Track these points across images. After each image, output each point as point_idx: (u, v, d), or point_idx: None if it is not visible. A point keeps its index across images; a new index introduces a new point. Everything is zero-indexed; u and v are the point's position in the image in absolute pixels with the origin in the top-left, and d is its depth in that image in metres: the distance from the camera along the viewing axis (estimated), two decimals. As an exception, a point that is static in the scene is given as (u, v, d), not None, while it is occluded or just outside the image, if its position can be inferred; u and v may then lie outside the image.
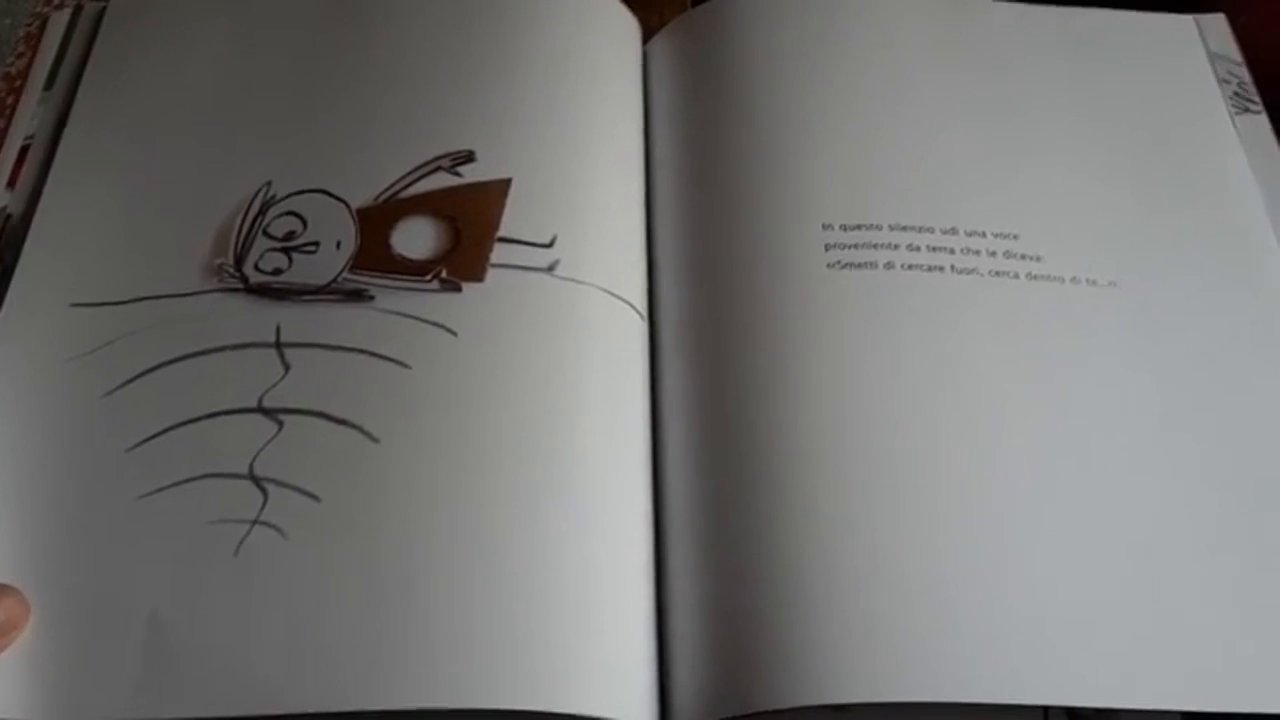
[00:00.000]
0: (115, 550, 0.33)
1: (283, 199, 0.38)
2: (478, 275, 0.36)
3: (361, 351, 0.35)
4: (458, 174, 0.38)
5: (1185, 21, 0.45)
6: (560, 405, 0.35)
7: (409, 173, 0.38)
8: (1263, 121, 0.42)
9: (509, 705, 0.30)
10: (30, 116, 0.42)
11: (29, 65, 0.44)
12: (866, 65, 0.42)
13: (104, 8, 0.44)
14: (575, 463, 0.34)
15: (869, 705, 0.31)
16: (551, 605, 0.32)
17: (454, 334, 0.35)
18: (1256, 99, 0.43)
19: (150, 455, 0.34)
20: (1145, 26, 0.45)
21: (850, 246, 0.38)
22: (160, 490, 0.33)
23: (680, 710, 0.32)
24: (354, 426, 0.34)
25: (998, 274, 0.38)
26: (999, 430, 0.35)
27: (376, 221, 0.38)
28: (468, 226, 0.37)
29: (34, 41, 0.44)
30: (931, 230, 0.39)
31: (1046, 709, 0.32)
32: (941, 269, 0.38)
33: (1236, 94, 0.43)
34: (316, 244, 0.37)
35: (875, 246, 0.38)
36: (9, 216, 0.39)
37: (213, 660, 0.31)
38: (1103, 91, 0.43)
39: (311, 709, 0.30)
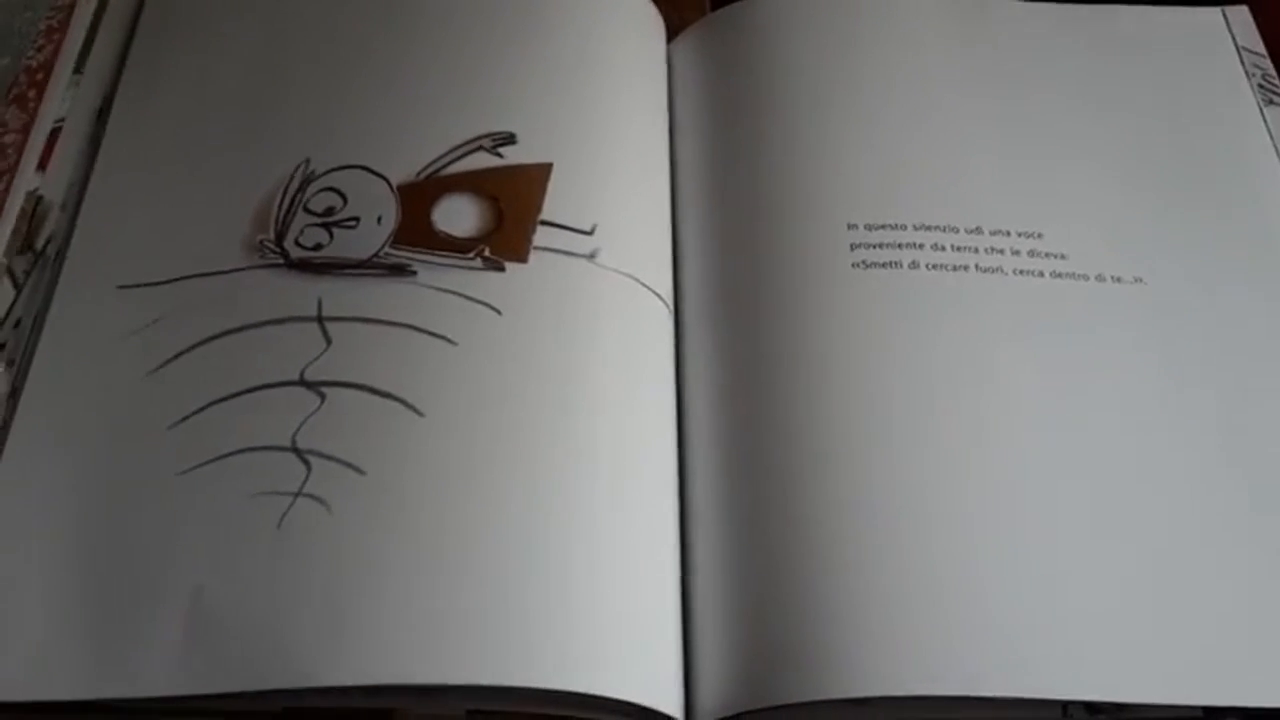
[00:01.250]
0: (158, 525, 0.32)
1: (322, 175, 0.38)
2: (521, 256, 0.36)
3: (405, 326, 0.35)
4: (499, 155, 0.38)
5: (1213, 15, 0.45)
6: (600, 393, 0.35)
7: (449, 151, 0.38)
8: (1288, 113, 0.43)
9: (546, 685, 0.30)
10: (60, 99, 0.42)
11: (54, 54, 0.43)
12: (890, 65, 0.43)
13: None
14: (613, 450, 0.34)
15: (889, 699, 0.31)
16: (589, 588, 0.31)
17: (499, 313, 0.35)
18: (1280, 91, 0.43)
19: (193, 431, 0.34)
20: (1173, 21, 0.45)
21: (875, 246, 0.38)
22: (202, 465, 0.33)
23: (704, 702, 0.32)
24: (399, 400, 0.34)
25: (1022, 273, 0.38)
26: (1022, 428, 0.35)
27: (417, 198, 0.38)
28: (510, 207, 0.37)
29: (56, 34, 0.44)
30: (956, 230, 0.39)
31: (1065, 704, 0.32)
32: (966, 268, 0.38)
33: (1261, 85, 0.43)
34: (357, 219, 0.37)
35: (900, 246, 0.38)
36: (40, 199, 0.39)
37: (254, 633, 0.30)
38: (1128, 88, 0.43)
39: (352, 683, 0.29)
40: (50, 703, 0.30)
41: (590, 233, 0.37)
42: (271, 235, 0.37)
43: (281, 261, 0.36)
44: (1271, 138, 0.42)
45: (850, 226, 0.39)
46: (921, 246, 0.38)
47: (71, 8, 0.44)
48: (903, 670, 0.31)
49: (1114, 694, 0.31)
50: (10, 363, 0.36)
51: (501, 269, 0.36)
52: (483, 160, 0.38)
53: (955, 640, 0.31)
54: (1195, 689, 0.31)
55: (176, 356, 0.35)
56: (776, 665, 0.31)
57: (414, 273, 0.36)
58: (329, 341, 0.35)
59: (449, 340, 0.35)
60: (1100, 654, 0.31)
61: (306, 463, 0.33)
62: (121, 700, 0.30)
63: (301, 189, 0.38)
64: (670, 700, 0.31)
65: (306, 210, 0.37)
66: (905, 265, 0.38)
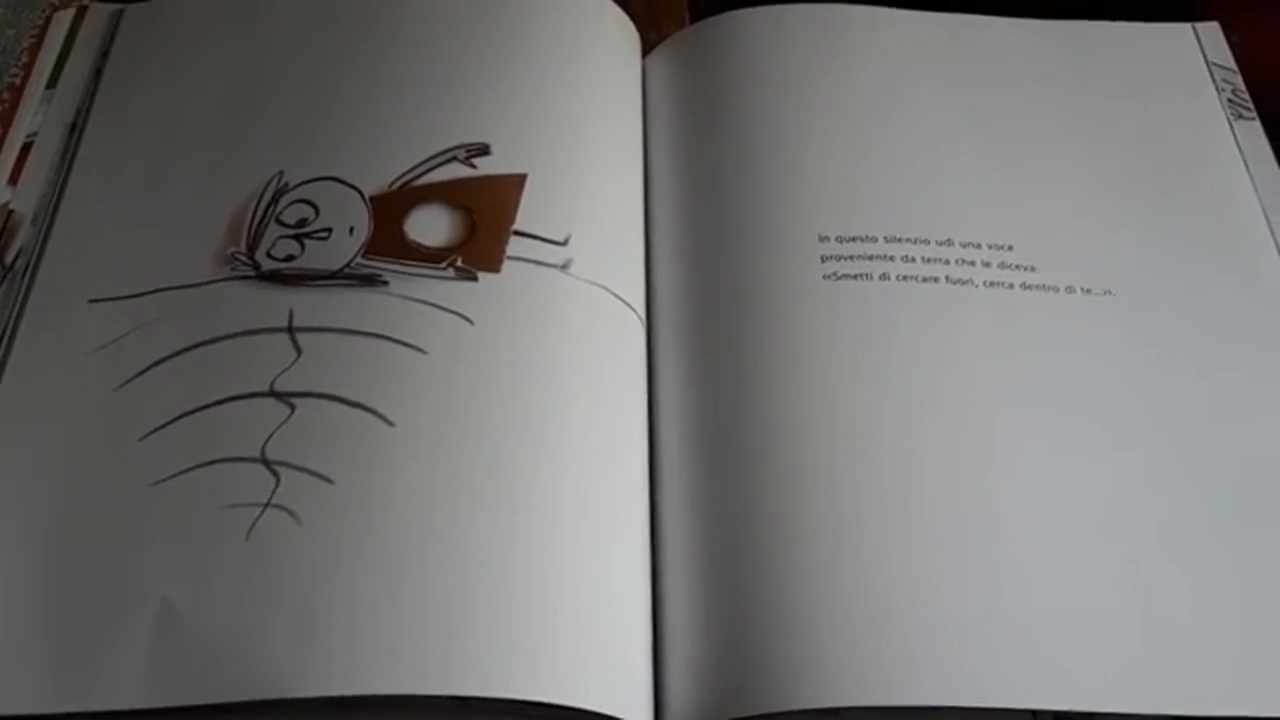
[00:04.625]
0: (126, 537, 0.32)
1: (295, 187, 0.38)
2: (494, 266, 0.36)
3: (376, 336, 0.35)
4: (472, 165, 0.38)
5: (1183, 30, 0.46)
6: (571, 403, 0.35)
7: (423, 161, 0.38)
8: (1257, 128, 0.43)
9: (517, 695, 0.30)
10: (33, 113, 0.42)
11: (31, 69, 0.44)
12: (862, 78, 0.43)
13: (121, 10, 0.44)
14: (584, 460, 0.34)
15: (860, 709, 0.31)
16: (559, 598, 0.31)
17: (470, 322, 0.35)
18: (1250, 105, 0.43)
19: (162, 443, 0.34)
20: (1143, 36, 0.45)
21: (846, 258, 0.38)
22: (172, 477, 0.33)
23: (674, 713, 0.32)
24: (368, 409, 0.34)
25: (992, 284, 0.38)
26: (993, 439, 0.35)
27: (390, 209, 0.38)
28: (483, 217, 0.37)
29: (36, 51, 0.44)
30: (927, 241, 0.39)
31: (1035, 713, 0.32)
32: (936, 280, 0.38)
33: (1231, 100, 0.44)
34: (329, 230, 0.37)
35: (871, 258, 0.38)
36: (11, 213, 0.39)
37: (223, 645, 0.30)
38: (1099, 102, 0.43)
39: (321, 694, 0.29)
40: (12, 716, 0.30)
41: (563, 243, 0.37)
42: (243, 247, 0.37)
43: (253, 273, 0.36)
44: (1241, 152, 0.42)
45: (821, 238, 0.39)
46: (892, 258, 0.38)
47: (48, 23, 0.45)
48: (873, 680, 0.31)
49: (1085, 703, 0.31)
50: (-22, 374, 0.36)
51: (474, 279, 0.36)
52: (456, 171, 0.38)
53: (925, 650, 0.31)
54: (1166, 698, 0.31)
55: (147, 369, 0.35)
56: (747, 675, 0.31)
57: (386, 283, 0.36)
58: (299, 352, 0.35)
59: (420, 350, 0.35)
60: (1070, 663, 0.31)
61: (275, 474, 0.33)
62: (86, 713, 0.30)
63: (274, 201, 0.38)
64: (641, 711, 0.31)
65: (279, 222, 0.37)
66: (876, 277, 0.38)
